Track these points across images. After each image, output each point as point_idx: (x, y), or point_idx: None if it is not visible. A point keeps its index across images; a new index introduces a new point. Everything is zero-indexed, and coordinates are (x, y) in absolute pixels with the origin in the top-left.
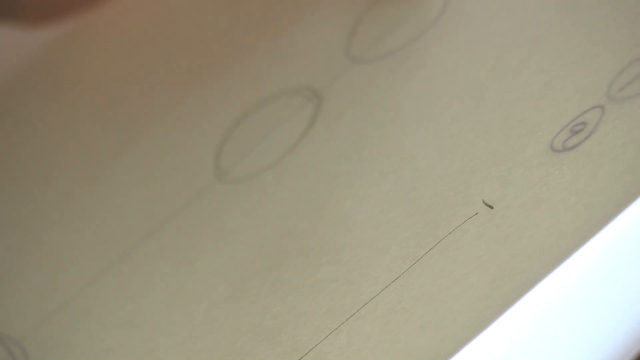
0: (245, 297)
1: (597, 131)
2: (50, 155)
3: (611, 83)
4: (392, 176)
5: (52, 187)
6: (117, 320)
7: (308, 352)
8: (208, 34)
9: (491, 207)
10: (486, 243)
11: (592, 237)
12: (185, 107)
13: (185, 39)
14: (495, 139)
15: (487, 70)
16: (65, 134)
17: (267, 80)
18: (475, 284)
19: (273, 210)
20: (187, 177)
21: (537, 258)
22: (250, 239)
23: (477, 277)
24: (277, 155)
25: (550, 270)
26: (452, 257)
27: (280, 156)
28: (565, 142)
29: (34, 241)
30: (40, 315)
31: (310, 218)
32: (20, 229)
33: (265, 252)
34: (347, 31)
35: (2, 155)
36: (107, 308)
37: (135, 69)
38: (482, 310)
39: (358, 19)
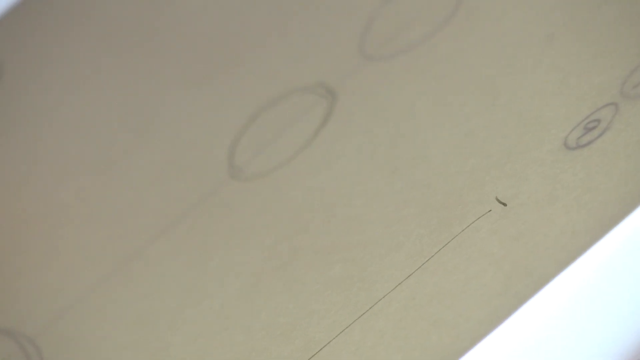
0: (259, 295)
1: (611, 128)
2: (64, 153)
3: (625, 80)
4: (406, 174)
5: (66, 185)
6: (130, 318)
7: (321, 349)
8: (222, 32)
9: (505, 205)
10: (500, 240)
11: (606, 234)
12: (198, 105)
13: (200, 36)
14: (509, 136)
15: (501, 67)
16: (79, 132)
17: (280, 79)
18: (489, 281)
19: (286, 208)
20: (201, 175)
21: (551, 255)
22: (263, 237)
23: (490, 274)
24: (290, 152)
25: (564, 267)
26: (465, 254)
27: (293, 154)
28: (579, 139)
29: (47, 239)
30: (54, 313)
31: (324, 216)
32: (33, 227)
33: (279, 250)
34: (360, 28)
35: (15, 152)
36: (120, 306)
37: (148, 67)
38: (496, 307)
39: (371, 16)
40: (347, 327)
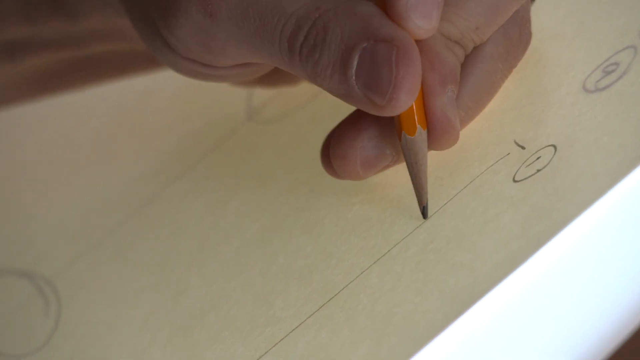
0: (277, 237)
1: (630, 71)
2: (84, 98)
3: None
4: None
5: (84, 130)
6: (148, 260)
7: (339, 291)
8: None
9: (523, 148)
10: (519, 183)
11: (625, 176)
12: None
13: None
14: (528, 79)
15: None
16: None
17: None
18: (507, 223)
19: (304, 150)
20: (219, 117)
21: (570, 197)
22: (281, 179)
23: (509, 216)
24: (308, 95)
25: (583, 209)
26: (484, 197)
27: (311, 97)
28: (598, 82)
29: (66, 182)
30: (72, 255)
31: None
32: (52, 170)
33: (297, 192)
34: None
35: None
36: (138, 248)
37: None
38: (514, 249)
39: None
40: (365, 270)
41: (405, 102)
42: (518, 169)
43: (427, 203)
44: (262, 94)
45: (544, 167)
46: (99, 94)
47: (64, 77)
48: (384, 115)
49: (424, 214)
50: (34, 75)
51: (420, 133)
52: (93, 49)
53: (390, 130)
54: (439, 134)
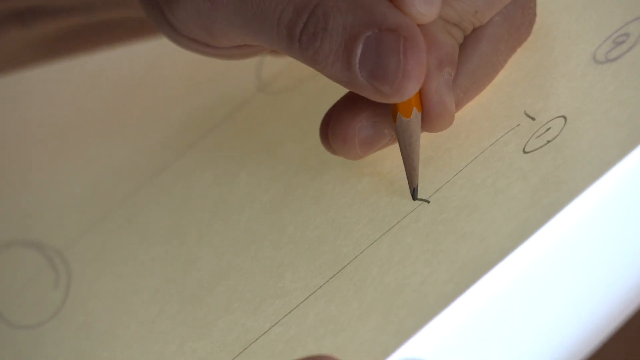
0: (287, 209)
1: None
2: (94, 67)
3: None
4: None
5: (95, 98)
6: (158, 231)
7: (349, 263)
8: None
9: (533, 119)
10: (529, 154)
11: (635, 147)
12: None
13: None
14: (538, 50)
15: None
16: (109, 46)
17: None
18: (517, 194)
19: (314, 121)
20: (229, 88)
21: (580, 168)
22: (292, 151)
23: (519, 187)
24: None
25: (592, 180)
26: (494, 168)
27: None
28: (608, 53)
29: (76, 152)
30: (82, 226)
31: None
32: (62, 138)
33: (308, 164)
34: None
35: (46, 64)
36: (149, 219)
37: None
38: (524, 220)
39: None
40: (374, 242)
41: (413, 90)
42: (528, 140)
43: (417, 185)
44: (271, 66)
45: (554, 139)
46: (108, 62)
47: (74, 43)
48: (388, 102)
49: (414, 195)
50: (44, 41)
51: (416, 115)
52: (103, 15)
53: (387, 110)
54: (433, 116)
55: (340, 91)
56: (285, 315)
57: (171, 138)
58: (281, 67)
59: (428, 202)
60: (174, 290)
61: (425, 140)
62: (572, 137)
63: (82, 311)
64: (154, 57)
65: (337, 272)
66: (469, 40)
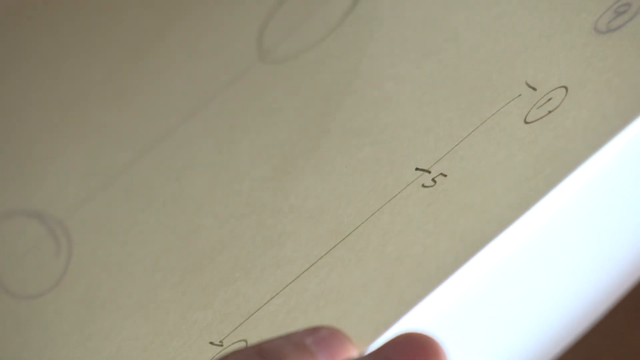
0: (288, 177)
1: None
2: (94, 34)
3: None
4: (435, 57)
5: (96, 66)
6: (160, 200)
7: (350, 232)
8: None
9: (534, 89)
10: (529, 124)
11: (637, 117)
12: None
13: None
14: (539, 19)
15: None
16: (109, 14)
17: None
18: (518, 165)
19: (315, 90)
20: (230, 58)
21: (581, 139)
22: (292, 119)
23: (520, 158)
24: (319, 35)
25: (594, 150)
26: (495, 138)
27: (323, 36)
28: (610, 23)
29: (76, 120)
30: (82, 195)
31: (353, 98)
32: (62, 107)
33: (308, 132)
34: None
35: (45, 34)
36: (149, 187)
37: None
38: (526, 191)
39: None
40: (376, 211)
41: None
42: (529, 111)
43: None
44: (273, 34)
45: (555, 109)
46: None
47: None
48: None
49: None
50: None
51: None
52: None
53: None
54: None
55: (343, 59)
56: (287, 285)
57: (172, 106)
58: (282, 36)
59: (429, 172)
60: (176, 260)
61: (424, 110)
62: (573, 107)
63: (83, 281)
64: (156, 24)
65: (339, 242)
66: None
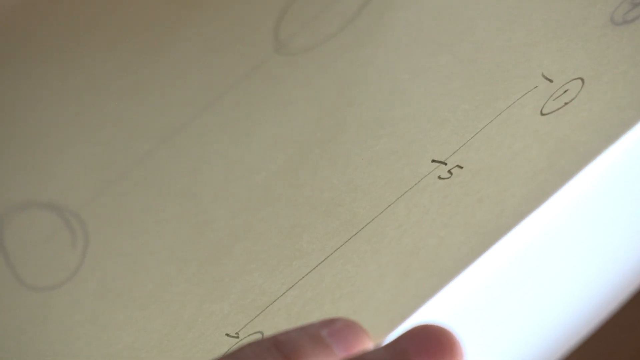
0: (303, 169)
1: None
2: (111, 27)
3: None
4: (451, 49)
5: (112, 59)
6: (174, 191)
7: (366, 224)
8: None
9: (550, 81)
10: (545, 116)
11: None
12: None
13: None
14: (555, 11)
15: None
16: (127, 7)
17: None
18: (534, 157)
19: (331, 82)
20: (246, 49)
21: (596, 130)
22: (308, 111)
23: (535, 150)
24: (335, 27)
25: (610, 142)
26: (511, 130)
27: (338, 28)
28: (626, 14)
29: (91, 112)
30: (98, 186)
31: (369, 90)
32: (78, 99)
33: (323, 124)
34: None
35: (63, 27)
36: (165, 179)
37: None
38: (540, 183)
39: None
40: (392, 204)
41: None
42: (545, 102)
43: None
44: (289, 27)
45: (572, 100)
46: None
47: None
48: None
49: None
50: None
51: None
52: None
53: None
54: None
55: (358, 51)
56: (303, 277)
57: (188, 98)
58: (298, 28)
59: (445, 164)
60: (191, 251)
61: (440, 102)
62: (589, 99)
63: (99, 272)
64: (172, 18)
65: (355, 234)
66: None
